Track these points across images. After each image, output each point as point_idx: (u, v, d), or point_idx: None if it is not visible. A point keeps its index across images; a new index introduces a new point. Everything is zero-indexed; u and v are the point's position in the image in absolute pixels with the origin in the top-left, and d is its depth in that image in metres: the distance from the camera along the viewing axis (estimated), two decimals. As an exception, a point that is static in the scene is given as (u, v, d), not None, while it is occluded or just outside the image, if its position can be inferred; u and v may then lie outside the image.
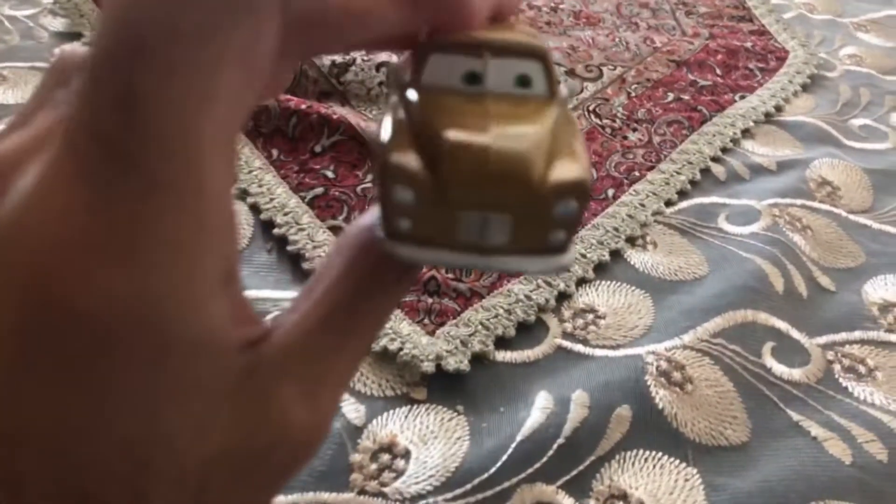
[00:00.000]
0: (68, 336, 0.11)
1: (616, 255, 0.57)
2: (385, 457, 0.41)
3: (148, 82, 0.11)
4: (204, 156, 0.12)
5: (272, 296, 0.49)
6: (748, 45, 0.89)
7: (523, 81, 0.16)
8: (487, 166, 0.14)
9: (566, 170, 0.15)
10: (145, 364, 0.12)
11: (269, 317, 0.47)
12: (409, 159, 0.14)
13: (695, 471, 0.42)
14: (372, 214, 0.16)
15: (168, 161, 0.11)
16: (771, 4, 1.02)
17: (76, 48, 0.16)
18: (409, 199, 0.14)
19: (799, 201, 0.64)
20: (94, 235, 0.11)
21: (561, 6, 0.94)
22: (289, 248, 0.53)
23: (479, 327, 0.48)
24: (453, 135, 0.14)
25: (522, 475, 0.40)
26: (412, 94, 0.16)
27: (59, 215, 0.11)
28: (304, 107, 0.65)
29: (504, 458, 0.41)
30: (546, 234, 0.15)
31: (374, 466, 0.41)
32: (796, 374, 0.48)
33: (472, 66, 0.16)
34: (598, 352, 0.48)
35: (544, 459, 0.41)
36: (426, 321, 0.48)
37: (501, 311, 0.50)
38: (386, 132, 0.15)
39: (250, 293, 0.50)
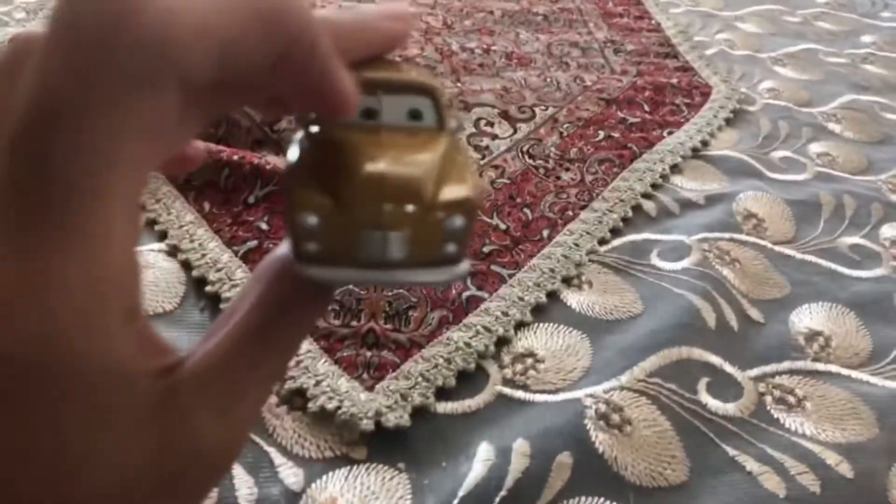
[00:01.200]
0: None
1: (553, 296, 0.57)
2: (325, 521, 0.40)
3: (59, 146, 0.12)
4: (107, 210, 0.13)
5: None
6: (674, 81, 0.92)
7: (415, 115, 0.18)
8: (384, 189, 0.16)
9: (454, 190, 0.17)
10: (60, 395, 0.13)
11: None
12: (313, 187, 0.16)
13: (636, 514, 0.42)
14: (285, 243, 0.18)
15: (75, 214, 0.13)
16: (694, 41, 1.06)
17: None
18: (314, 223, 0.16)
19: (727, 235, 0.66)
20: (6, 283, 0.13)
21: (493, 48, 0.96)
22: (222, 305, 0.52)
23: (420, 379, 0.48)
24: (353, 163, 0.16)
25: (466, 532, 0.40)
26: (315, 129, 0.18)
27: None
28: (236, 157, 0.64)
29: (447, 515, 0.41)
30: (439, 247, 0.17)
31: (313, 533, 0.40)
32: (730, 408, 0.49)
33: (368, 103, 0.18)
34: (538, 397, 0.49)
35: (487, 514, 0.41)
36: (364, 376, 0.48)
37: (441, 360, 0.50)
38: (291, 163, 0.17)
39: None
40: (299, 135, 0.18)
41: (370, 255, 0.17)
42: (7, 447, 0.13)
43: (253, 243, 0.57)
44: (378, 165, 0.16)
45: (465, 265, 0.18)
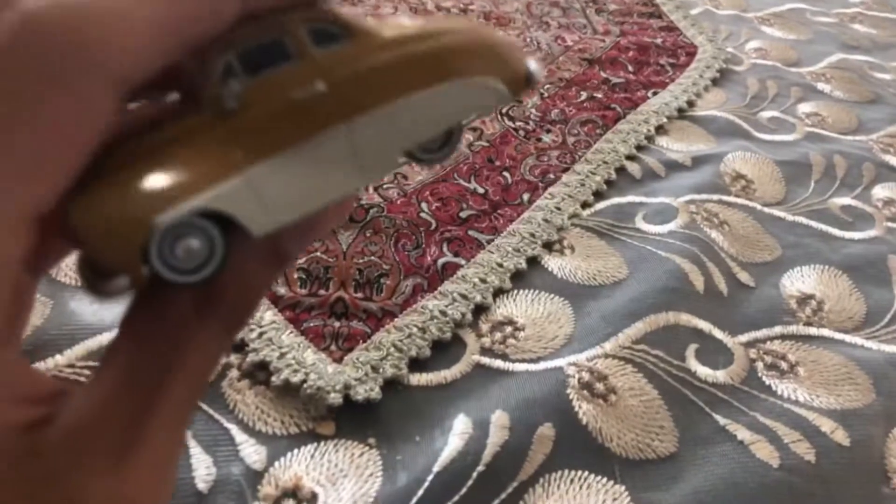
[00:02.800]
0: None
1: (533, 262, 0.54)
2: (289, 503, 0.37)
3: None
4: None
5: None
6: (658, 41, 0.89)
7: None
8: None
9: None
10: None
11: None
12: None
13: (622, 488, 0.40)
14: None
15: None
16: (678, 1, 1.03)
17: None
18: None
19: (715, 196, 0.63)
20: None
21: (471, 7, 0.92)
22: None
23: (392, 349, 0.45)
24: None
25: (441, 510, 0.37)
26: None
27: None
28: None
29: (420, 492, 0.38)
30: None
31: (276, 515, 0.37)
32: (720, 375, 0.47)
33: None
34: (518, 366, 0.46)
35: (463, 491, 0.38)
36: (333, 347, 0.45)
37: (415, 329, 0.47)
38: None
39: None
40: None
41: None
42: None
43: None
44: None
45: None
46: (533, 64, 0.17)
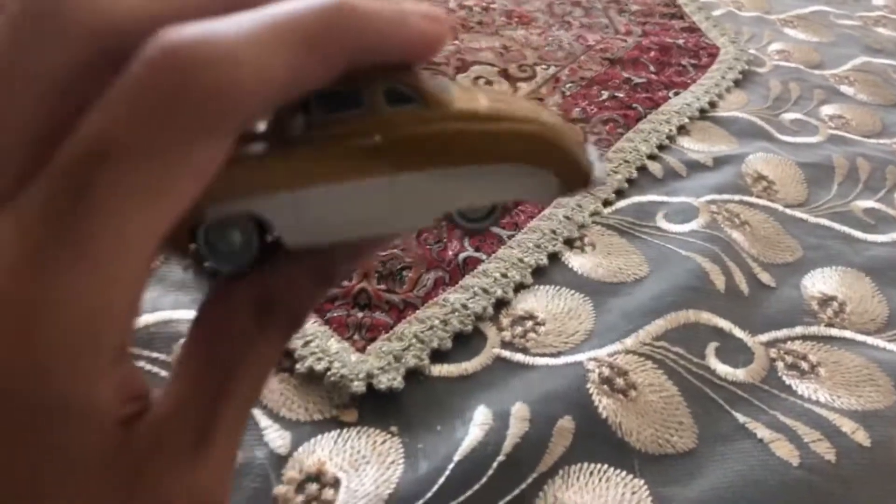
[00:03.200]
0: None
1: (554, 258, 0.55)
2: (312, 487, 0.38)
3: (104, 179, 0.13)
4: (129, 250, 0.13)
5: (186, 316, 0.45)
6: (680, 42, 0.89)
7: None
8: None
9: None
10: (30, 430, 0.13)
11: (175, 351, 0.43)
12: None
13: (642, 482, 0.40)
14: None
15: (102, 244, 0.13)
16: (700, 2, 1.03)
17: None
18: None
19: (736, 197, 0.63)
20: (8, 298, 0.13)
21: (492, 6, 0.93)
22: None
23: (414, 340, 0.45)
24: None
25: (461, 498, 0.38)
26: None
27: None
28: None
29: (441, 480, 0.38)
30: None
31: (300, 499, 0.37)
32: (740, 374, 0.47)
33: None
34: (539, 360, 0.46)
35: (484, 480, 0.38)
36: (356, 337, 0.45)
37: (437, 322, 0.47)
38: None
39: (169, 314, 0.46)
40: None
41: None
42: None
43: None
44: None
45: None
46: (598, 165, 0.18)
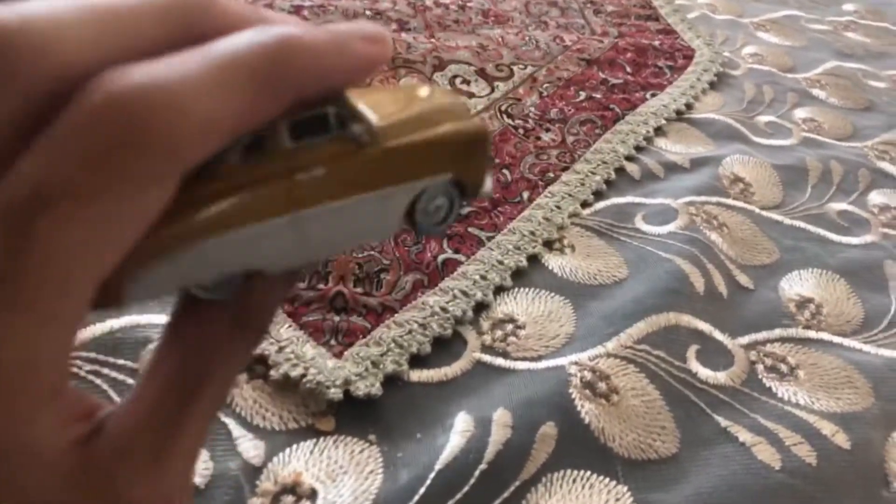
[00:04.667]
0: None
1: (533, 260, 0.54)
2: (288, 499, 0.36)
3: (43, 228, 0.12)
4: (67, 296, 0.13)
5: (154, 321, 0.43)
6: (656, 43, 0.89)
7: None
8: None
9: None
10: None
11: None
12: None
13: (625, 488, 0.39)
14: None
15: (36, 292, 0.13)
16: (676, 4, 1.03)
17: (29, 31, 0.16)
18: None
19: (714, 199, 0.63)
20: None
21: (469, 4, 0.92)
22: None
23: (392, 345, 0.44)
24: None
25: (442, 508, 0.37)
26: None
27: None
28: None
29: (422, 490, 0.37)
30: None
31: (275, 511, 0.36)
32: (721, 377, 0.47)
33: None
34: (520, 364, 0.45)
35: (466, 489, 0.37)
36: (332, 342, 0.44)
37: (416, 325, 0.46)
38: None
39: (136, 319, 0.44)
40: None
41: None
42: None
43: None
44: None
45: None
46: (488, 181, 0.19)
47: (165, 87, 0.13)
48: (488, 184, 0.19)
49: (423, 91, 0.19)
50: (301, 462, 0.38)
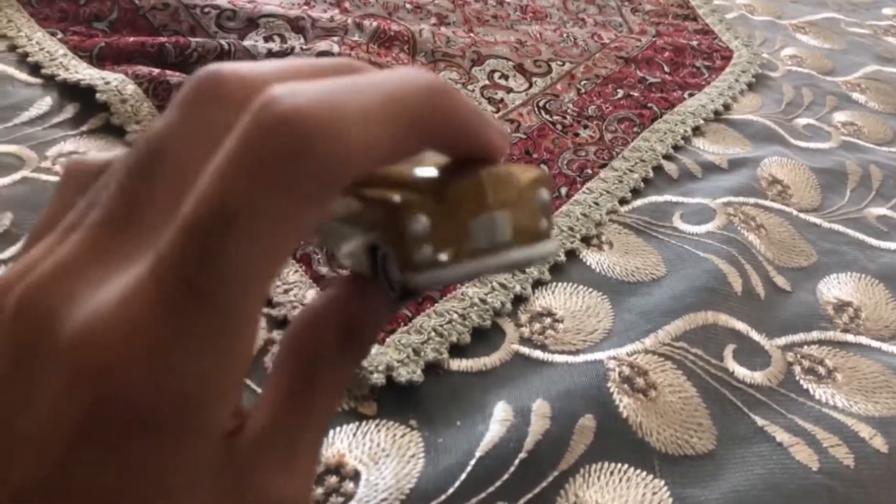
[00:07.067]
0: (116, 417, 0.14)
1: (572, 255, 0.54)
2: (332, 479, 0.37)
3: (230, 244, 0.14)
4: (252, 295, 0.14)
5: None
6: (694, 43, 0.89)
7: None
8: (482, 183, 0.17)
9: (528, 171, 0.18)
10: (166, 441, 0.15)
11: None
12: (415, 196, 0.16)
13: (662, 483, 0.40)
14: (318, 300, 0.19)
15: (229, 299, 0.14)
16: (714, 4, 1.02)
17: (82, 159, 0.19)
18: (426, 225, 0.16)
19: (752, 200, 0.63)
20: (156, 343, 0.14)
21: (507, 0, 0.92)
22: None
23: (433, 334, 0.45)
24: (443, 173, 0.17)
25: (483, 494, 0.37)
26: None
27: (135, 330, 0.14)
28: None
29: (463, 476, 0.38)
30: (536, 223, 0.18)
31: (319, 490, 0.37)
32: (758, 377, 0.47)
33: None
34: (558, 357, 0.46)
35: (506, 476, 0.38)
36: (375, 328, 0.45)
37: (455, 315, 0.47)
38: (366, 193, 0.17)
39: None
40: None
41: (480, 243, 0.17)
42: (112, 488, 0.15)
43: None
44: (465, 168, 0.17)
45: (556, 241, 0.19)
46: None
47: (333, 110, 0.14)
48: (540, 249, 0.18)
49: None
50: (344, 444, 0.39)
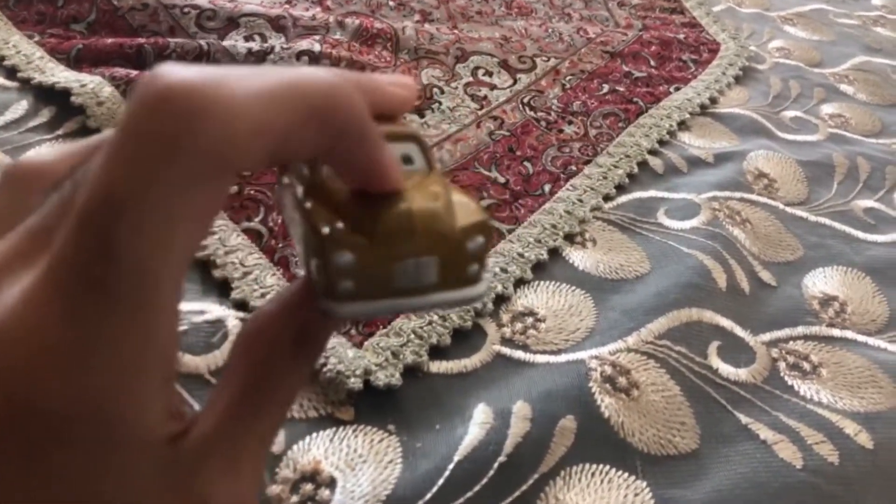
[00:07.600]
0: (28, 430, 0.14)
1: (554, 253, 0.54)
2: (307, 487, 0.37)
3: (123, 231, 0.13)
4: (159, 286, 0.14)
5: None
6: (681, 36, 0.88)
7: (406, 160, 0.19)
8: (413, 223, 0.17)
9: (469, 216, 0.18)
10: (90, 452, 0.14)
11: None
12: (342, 228, 0.17)
13: (644, 484, 0.39)
14: (271, 303, 0.19)
15: (131, 290, 0.14)
16: (701, -3, 1.02)
17: (32, 158, 0.19)
18: (350, 260, 0.16)
19: (738, 194, 0.62)
20: (61, 348, 0.13)
21: (492, -5, 0.91)
22: (197, 254, 0.48)
23: (412, 336, 0.44)
24: (377, 203, 0.17)
25: (461, 500, 0.37)
26: (323, 177, 0.18)
27: (35, 330, 0.14)
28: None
29: (441, 481, 0.37)
30: (465, 268, 0.18)
31: (294, 499, 0.36)
32: (742, 374, 0.46)
33: None
34: (539, 358, 0.45)
35: (485, 481, 0.38)
36: (353, 332, 0.44)
37: (436, 317, 0.46)
38: (308, 210, 0.17)
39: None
40: (298, 189, 0.18)
41: (404, 283, 0.17)
42: (29, 498, 0.14)
43: (233, 188, 0.53)
44: (402, 203, 0.17)
45: (485, 283, 0.19)
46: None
47: (220, 85, 0.14)
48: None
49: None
50: (320, 450, 0.38)
